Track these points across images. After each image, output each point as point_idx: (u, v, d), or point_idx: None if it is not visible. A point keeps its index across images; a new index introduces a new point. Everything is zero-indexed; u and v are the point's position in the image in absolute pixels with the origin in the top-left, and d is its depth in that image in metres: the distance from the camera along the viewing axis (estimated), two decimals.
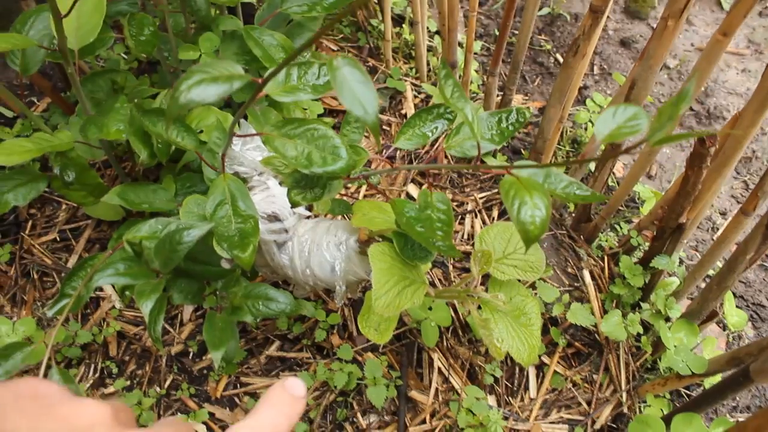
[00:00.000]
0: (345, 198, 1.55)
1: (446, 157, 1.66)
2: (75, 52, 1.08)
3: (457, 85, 0.81)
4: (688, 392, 1.37)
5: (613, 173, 1.77)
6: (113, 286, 1.41)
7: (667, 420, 1.14)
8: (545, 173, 0.83)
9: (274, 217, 1.06)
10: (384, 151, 1.65)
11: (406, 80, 1.80)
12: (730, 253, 1.25)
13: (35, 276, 1.44)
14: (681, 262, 1.59)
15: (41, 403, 0.34)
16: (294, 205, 0.92)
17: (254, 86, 0.75)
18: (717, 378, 1.23)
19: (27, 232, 1.49)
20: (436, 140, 1.66)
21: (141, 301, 0.89)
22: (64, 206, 1.54)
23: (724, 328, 1.51)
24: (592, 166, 1.54)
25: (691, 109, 2.01)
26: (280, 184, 1.08)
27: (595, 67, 2.09)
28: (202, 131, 1.24)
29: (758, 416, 0.86)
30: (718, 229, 1.73)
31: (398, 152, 1.65)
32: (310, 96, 0.84)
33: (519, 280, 1.10)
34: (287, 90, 0.85)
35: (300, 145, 0.85)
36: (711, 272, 1.52)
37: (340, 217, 1.33)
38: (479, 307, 1.04)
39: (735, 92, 2.06)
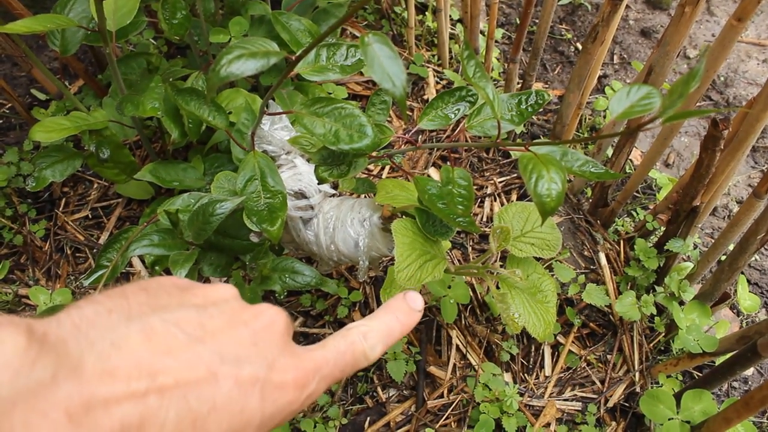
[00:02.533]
0: (368, 178, 1.59)
1: (466, 141, 1.70)
2: (113, 34, 1.13)
3: (479, 65, 0.85)
4: (699, 373, 1.40)
5: (630, 160, 1.79)
6: (143, 262, 1.46)
7: (678, 397, 1.17)
8: (562, 151, 0.87)
9: (300, 194, 1.10)
10: (406, 133, 1.68)
11: (428, 67, 1.83)
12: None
13: (68, 251, 1.49)
14: (695, 246, 1.62)
15: (181, 287, 0.40)
16: (321, 181, 0.96)
17: (284, 68, 0.79)
18: (726, 358, 1.26)
19: (61, 209, 1.54)
20: (457, 124, 1.70)
21: (175, 269, 0.94)
22: (95, 185, 1.59)
23: (738, 313, 1.54)
24: (610, 152, 1.57)
25: (710, 98, 2.03)
26: (308, 161, 1.12)
27: (615, 57, 2.11)
28: (230, 112, 1.29)
29: (764, 387, 0.89)
30: (733, 216, 1.75)
31: (420, 137, 1.68)
32: (339, 76, 0.89)
33: (536, 259, 1.14)
34: (316, 70, 0.89)
35: (328, 123, 0.89)
36: (723, 257, 1.54)
37: (364, 195, 1.37)
38: (497, 284, 1.08)
39: (755, 82, 2.08)
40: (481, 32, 1.80)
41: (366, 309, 1.40)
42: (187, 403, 0.31)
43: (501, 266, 1.08)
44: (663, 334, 1.39)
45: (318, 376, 0.39)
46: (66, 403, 0.27)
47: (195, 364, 0.32)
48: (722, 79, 2.08)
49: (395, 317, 0.46)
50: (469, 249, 1.48)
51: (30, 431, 0.26)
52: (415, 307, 0.47)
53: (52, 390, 0.27)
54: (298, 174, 1.12)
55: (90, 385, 0.28)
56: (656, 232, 1.49)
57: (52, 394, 0.27)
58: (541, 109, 1.46)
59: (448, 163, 1.64)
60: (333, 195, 1.18)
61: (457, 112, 1.02)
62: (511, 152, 1.65)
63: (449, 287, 1.31)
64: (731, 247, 1.34)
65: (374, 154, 0.98)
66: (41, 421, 0.26)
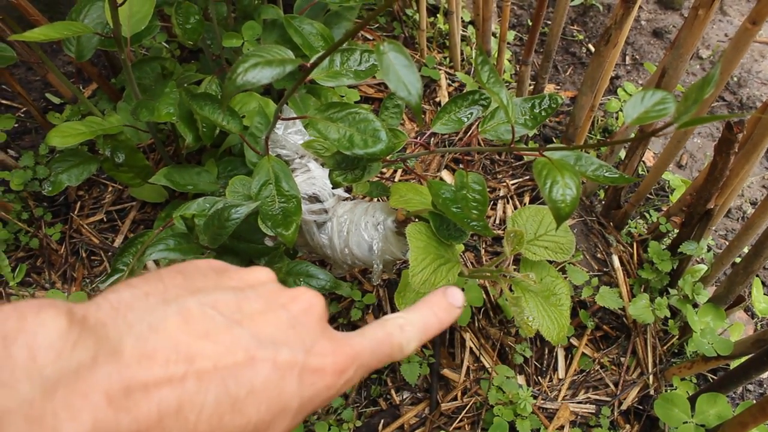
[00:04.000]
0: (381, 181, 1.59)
1: (479, 144, 1.70)
2: (128, 40, 1.14)
3: (493, 70, 0.85)
4: (713, 376, 1.39)
5: (644, 162, 1.79)
6: (157, 265, 1.47)
7: (692, 400, 1.17)
8: (576, 156, 0.87)
9: (314, 198, 1.11)
10: (419, 137, 1.69)
11: (440, 69, 1.83)
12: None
13: (84, 254, 1.51)
14: (709, 249, 1.61)
15: (217, 269, 0.40)
16: (335, 185, 0.97)
17: (297, 72, 0.80)
18: (741, 361, 1.25)
19: (76, 212, 1.56)
20: (469, 128, 1.70)
21: None
22: (110, 188, 1.60)
23: (752, 315, 1.53)
24: (623, 154, 1.57)
25: (724, 99, 2.02)
26: (322, 165, 1.13)
27: (627, 57, 2.10)
28: (244, 116, 1.29)
29: None
30: (748, 219, 1.75)
31: (432, 140, 1.68)
32: (353, 81, 0.89)
33: (549, 262, 1.14)
34: (331, 75, 0.89)
35: (342, 128, 0.90)
36: (738, 260, 1.54)
37: (377, 198, 1.37)
38: (510, 287, 1.08)
39: None
40: (493, 34, 1.80)
41: (379, 311, 1.40)
42: (226, 387, 0.31)
43: (515, 269, 1.08)
44: (677, 336, 1.39)
45: (356, 364, 0.38)
46: (106, 386, 0.27)
47: (233, 347, 0.32)
48: (735, 79, 2.07)
49: (433, 312, 0.45)
50: (482, 251, 1.48)
51: (71, 412, 0.26)
52: (454, 303, 0.46)
53: (92, 372, 0.28)
54: (312, 178, 1.12)
55: (129, 369, 0.28)
56: (669, 235, 1.48)
57: (93, 376, 0.28)
58: (553, 113, 1.46)
59: (461, 166, 1.64)
60: (347, 199, 1.19)
61: (470, 115, 1.03)
62: (524, 155, 1.65)
63: (462, 290, 1.31)
64: (746, 249, 1.33)
65: (388, 158, 0.99)
66: (82, 403, 0.27)
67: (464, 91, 1.03)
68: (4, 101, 1.74)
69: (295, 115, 1.18)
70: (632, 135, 1.43)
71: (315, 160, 1.14)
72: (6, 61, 1.19)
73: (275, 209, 0.97)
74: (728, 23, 2.24)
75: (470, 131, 1.70)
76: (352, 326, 1.39)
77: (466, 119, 1.02)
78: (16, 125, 1.68)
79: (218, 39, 1.35)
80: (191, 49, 1.79)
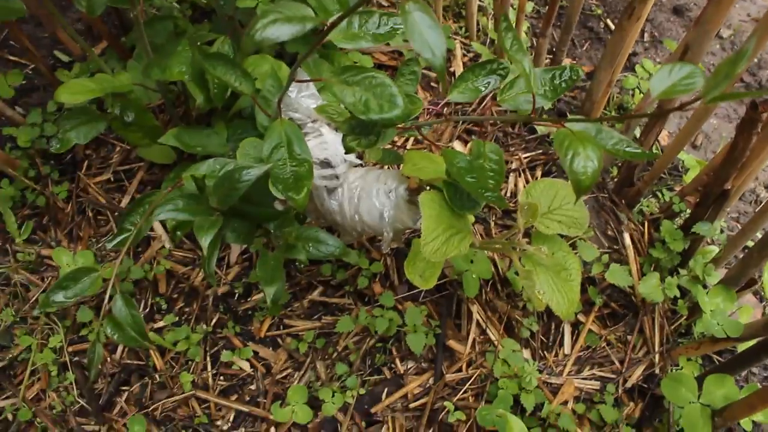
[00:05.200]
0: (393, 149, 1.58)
1: (492, 115, 1.68)
2: None
3: (516, 38, 0.83)
4: (720, 358, 1.39)
5: (658, 141, 1.77)
6: (164, 227, 1.46)
7: (698, 381, 1.16)
8: (597, 129, 0.85)
9: (326, 163, 1.09)
10: (434, 107, 1.67)
11: (455, 39, 1.80)
12: None
13: (90, 214, 1.50)
14: (721, 231, 1.60)
15: None
16: (348, 150, 0.95)
17: (310, 34, 0.78)
18: (750, 344, 1.24)
19: (83, 171, 1.54)
20: (483, 99, 1.67)
21: (200, 234, 0.93)
22: (118, 148, 1.59)
23: (761, 299, 1.52)
24: (638, 132, 1.54)
25: (743, 81, 1.99)
26: (335, 130, 1.11)
27: (646, 34, 2.07)
28: (256, 78, 1.27)
29: None
30: (761, 202, 1.73)
31: (445, 110, 1.66)
32: (371, 44, 0.87)
33: (561, 237, 1.12)
34: (348, 37, 0.87)
35: (358, 92, 0.87)
36: (750, 243, 1.52)
37: (389, 166, 1.36)
38: (521, 260, 1.07)
39: None
40: (511, 5, 1.77)
41: (386, 280, 1.40)
42: None
43: (527, 242, 1.07)
44: (685, 317, 1.38)
45: None
46: None
47: None
48: (756, 60, 2.03)
49: None
50: (492, 224, 1.46)
51: None
52: None
53: None
54: (324, 143, 1.10)
55: None
56: (682, 215, 1.47)
57: None
58: (573, 85, 1.44)
59: (474, 137, 1.62)
60: (358, 165, 1.17)
61: (487, 85, 1.01)
62: (537, 128, 1.63)
63: (472, 262, 1.30)
64: (759, 234, 1.32)
65: (403, 125, 0.97)
66: None
67: (482, 60, 1.01)
68: (12, 57, 1.72)
69: (310, 78, 1.16)
70: (652, 108, 1.41)
71: (328, 125, 1.12)
72: (14, 14, 1.16)
73: (286, 173, 0.95)
74: (751, 3, 2.20)
75: (484, 102, 1.68)
76: (359, 294, 1.39)
77: (483, 88, 1.00)
78: (24, 82, 1.66)
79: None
80: (204, 10, 1.76)
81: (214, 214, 1.00)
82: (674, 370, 1.33)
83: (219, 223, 0.97)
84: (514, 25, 1.66)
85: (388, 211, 1.09)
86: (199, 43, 1.33)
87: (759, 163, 1.17)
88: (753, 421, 1.25)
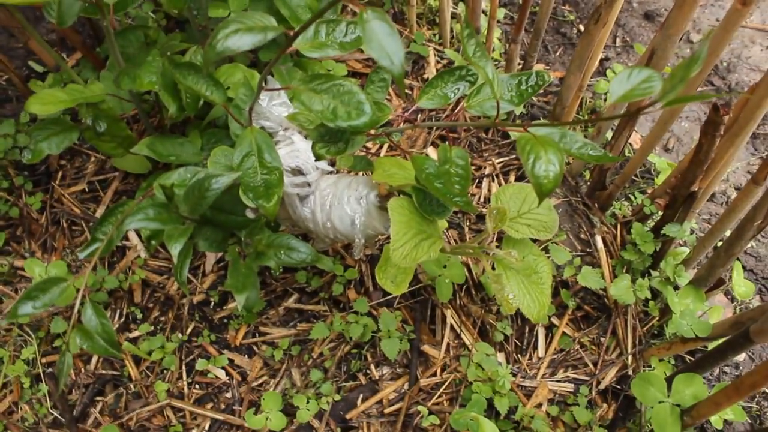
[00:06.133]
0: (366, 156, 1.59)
1: (466, 121, 1.69)
2: (110, 6, 1.12)
3: (479, 44, 0.84)
4: (691, 358, 1.40)
5: (630, 144, 1.79)
6: (139, 236, 1.46)
7: (669, 381, 1.18)
8: (561, 133, 0.86)
9: (297, 171, 1.10)
10: (404, 113, 1.68)
11: (429, 46, 1.82)
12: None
13: (65, 224, 1.49)
14: (692, 232, 1.62)
15: None
16: (318, 158, 0.96)
17: (283, 44, 0.79)
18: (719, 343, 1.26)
19: (57, 182, 1.54)
20: (457, 105, 1.69)
21: (170, 243, 0.94)
22: (92, 158, 1.59)
23: (732, 299, 1.54)
24: (609, 135, 1.56)
25: (712, 84, 2.02)
26: (305, 138, 1.12)
27: (618, 40, 2.09)
28: (229, 88, 1.28)
29: (754, 373, 0.90)
30: (731, 202, 1.75)
31: (419, 116, 1.68)
32: (338, 52, 0.88)
33: (533, 241, 1.14)
34: (315, 46, 0.88)
35: (326, 99, 0.88)
36: (719, 243, 1.54)
37: (361, 173, 1.37)
38: (492, 265, 1.08)
39: (759, 69, 2.06)
40: (483, 11, 1.79)
41: (361, 287, 1.40)
42: None
43: (497, 247, 1.08)
44: (657, 318, 1.39)
45: None
46: None
47: None
48: (725, 64, 2.07)
49: None
50: (466, 229, 1.48)
51: None
52: None
53: None
54: (296, 151, 1.11)
55: None
56: (653, 217, 1.49)
57: None
58: (541, 90, 1.45)
59: (447, 143, 1.63)
60: (330, 172, 1.18)
61: (456, 91, 1.02)
62: (510, 133, 1.64)
63: (445, 267, 1.31)
64: (727, 233, 1.34)
65: (372, 131, 0.98)
66: None
67: (451, 67, 1.02)
68: None
69: (279, 87, 1.16)
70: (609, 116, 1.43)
71: (299, 133, 1.13)
72: None
73: (257, 181, 0.96)
74: (720, 8, 2.23)
75: (457, 109, 1.69)
76: (334, 301, 1.39)
77: (452, 95, 1.02)
78: None
79: (204, 9, 1.32)
80: (177, 20, 1.76)
81: (185, 223, 1.00)
82: (646, 371, 1.34)
83: (189, 231, 0.98)
84: (485, 31, 1.68)
85: (359, 217, 1.09)
86: (170, 53, 1.34)
87: (724, 164, 1.19)
88: (725, 420, 1.27)
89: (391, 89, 1.71)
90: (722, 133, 1.09)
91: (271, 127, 1.13)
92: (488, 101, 0.95)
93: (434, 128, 1.64)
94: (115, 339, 0.95)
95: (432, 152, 1.60)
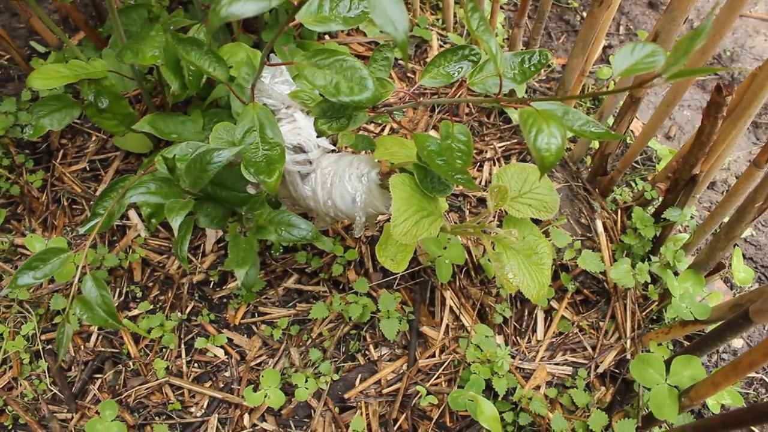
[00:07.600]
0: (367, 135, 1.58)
1: (467, 104, 1.69)
2: None
3: (483, 18, 0.84)
4: (689, 342, 1.41)
5: (631, 131, 1.79)
6: (140, 215, 1.46)
7: (667, 364, 1.18)
8: (564, 110, 0.86)
9: (299, 149, 1.10)
10: (405, 93, 1.68)
11: (432, 30, 1.81)
12: None
13: (65, 203, 1.49)
14: (692, 218, 1.62)
15: None
16: (320, 134, 0.96)
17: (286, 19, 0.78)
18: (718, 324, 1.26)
19: (58, 160, 1.54)
20: (459, 86, 1.68)
21: (171, 216, 0.94)
22: (94, 137, 1.58)
23: (732, 287, 1.55)
24: (611, 121, 1.56)
25: (716, 73, 2.01)
26: (307, 114, 1.12)
27: (621, 27, 2.09)
28: (231, 67, 1.28)
29: (753, 352, 0.90)
30: (731, 188, 1.75)
31: (421, 97, 1.67)
32: (341, 27, 0.88)
33: (534, 222, 1.14)
34: (319, 20, 0.88)
35: (329, 74, 0.88)
36: (719, 228, 1.54)
37: (363, 152, 1.37)
38: (493, 245, 1.08)
39: (761, 58, 2.06)
40: None
41: (361, 268, 1.40)
42: None
43: (498, 227, 1.08)
44: (656, 302, 1.40)
45: None
46: None
47: None
48: (728, 53, 2.06)
49: None
50: (467, 212, 1.48)
51: None
52: None
53: None
54: (298, 128, 1.11)
55: None
56: (654, 203, 1.49)
57: None
58: (543, 70, 1.45)
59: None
60: (332, 151, 1.18)
61: (459, 70, 1.02)
62: (512, 118, 1.64)
63: (445, 248, 1.31)
64: (727, 218, 1.34)
65: (375, 109, 0.98)
66: None
67: (455, 46, 1.02)
68: None
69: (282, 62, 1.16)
70: (622, 98, 1.43)
71: (301, 111, 1.13)
72: None
73: (258, 156, 0.96)
74: None
75: (460, 92, 1.69)
76: (334, 282, 1.39)
77: (455, 74, 1.01)
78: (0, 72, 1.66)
79: None
80: (181, 0, 1.75)
81: (186, 198, 1.00)
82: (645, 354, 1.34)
83: (190, 205, 0.98)
84: (489, 15, 1.68)
85: (360, 195, 1.09)
86: (175, 27, 1.34)
87: (726, 148, 1.19)
88: (722, 405, 1.27)
89: (393, 72, 1.71)
90: (725, 114, 1.09)
91: (274, 104, 1.12)
92: (491, 78, 0.95)
93: (436, 112, 1.64)
94: (114, 310, 0.96)
95: (434, 135, 1.60)
